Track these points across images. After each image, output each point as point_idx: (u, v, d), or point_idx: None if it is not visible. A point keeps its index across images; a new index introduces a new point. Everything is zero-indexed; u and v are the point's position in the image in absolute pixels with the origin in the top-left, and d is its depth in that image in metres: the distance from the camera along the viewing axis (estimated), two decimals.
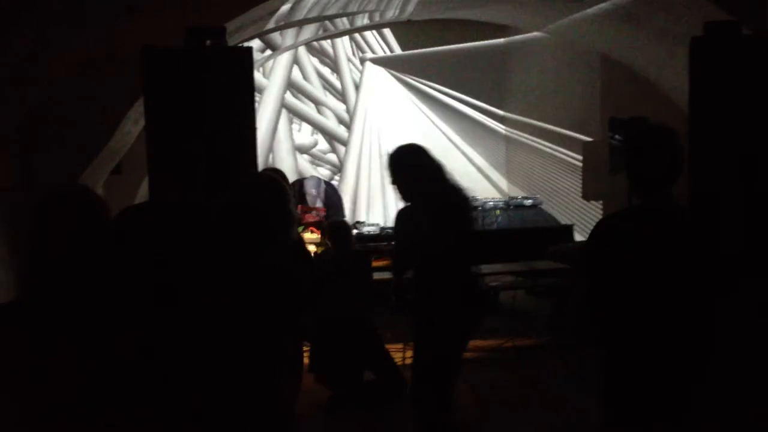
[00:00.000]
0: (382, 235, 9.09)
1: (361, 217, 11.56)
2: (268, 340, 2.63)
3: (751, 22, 5.13)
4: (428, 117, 12.52)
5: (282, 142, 12.10)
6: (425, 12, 9.70)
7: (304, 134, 12.37)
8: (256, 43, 8.78)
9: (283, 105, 12.09)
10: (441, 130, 12.55)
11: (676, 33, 6.42)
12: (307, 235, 7.67)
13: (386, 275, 6.92)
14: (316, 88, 12.35)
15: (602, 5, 7.00)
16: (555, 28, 9.21)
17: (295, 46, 10.98)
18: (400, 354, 6.29)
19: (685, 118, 4.71)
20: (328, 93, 12.42)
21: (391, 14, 9.22)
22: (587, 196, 9.97)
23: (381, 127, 12.38)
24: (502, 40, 12.44)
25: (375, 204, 12.31)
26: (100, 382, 2.08)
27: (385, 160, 4.13)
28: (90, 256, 2.12)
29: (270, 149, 11.95)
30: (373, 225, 9.82)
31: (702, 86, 4.56)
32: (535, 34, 10.82)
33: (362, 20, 9.83)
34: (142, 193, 6.10)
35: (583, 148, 10.04)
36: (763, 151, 4.43)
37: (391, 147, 4.11)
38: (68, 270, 2.10)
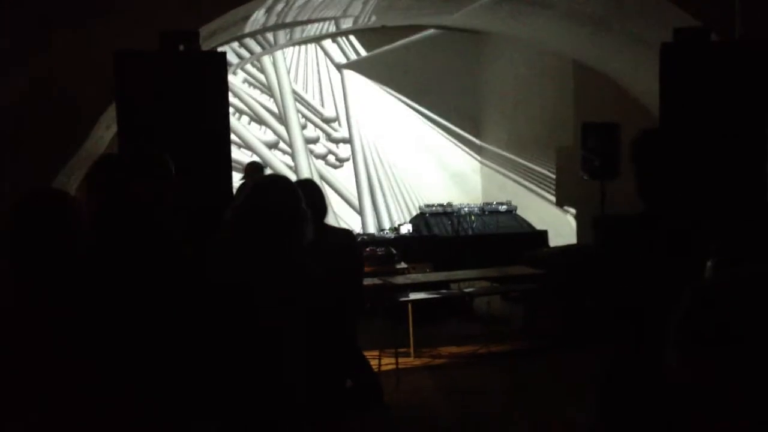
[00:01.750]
0: (360, 241, 9.14)
1: (344, 223, 11.54)
2: (291, 342, 2.69)
3: (720, 29, 5.21)
4: (400, 124, 12.53)
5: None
6: (398, 18, 9.73)
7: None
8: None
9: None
10: (414, 135, 12.57)
11: (647, 39, 6.49)
12: None
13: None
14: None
15: (574, 12, 7.06)
16: (527, 34, 9.28)
17: (268, 52, 10.97)
18: (375, 361, 6.27)
19: (656, 122, 4.76)
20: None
21: (361, 20, 9.24)
22: (561, 202, 10.06)
23: (371, 133, 12.40)
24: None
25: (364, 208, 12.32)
26: (95, 384, 2.08)
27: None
28: (67, 258, 2.13)
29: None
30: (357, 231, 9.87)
31: (672, 91, 4.62)
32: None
33: (333, 26, 9.84)
34: None
35: (557, 155, 10.12)
36: (732, 154, 4.49)
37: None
38: (46, 272, 2.11)
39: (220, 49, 6.55)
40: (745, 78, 4.52)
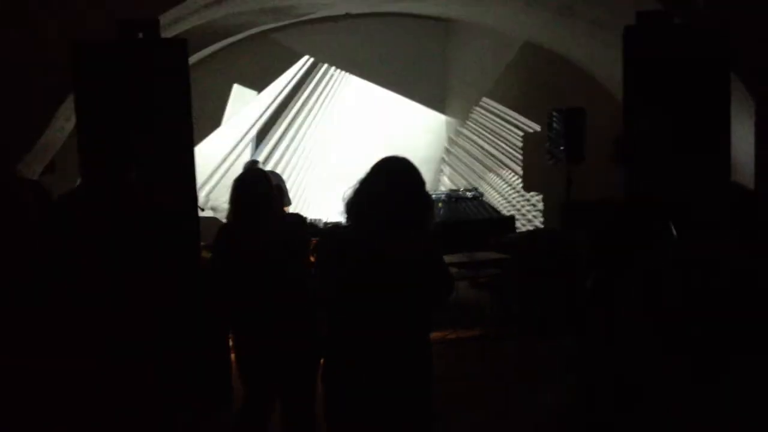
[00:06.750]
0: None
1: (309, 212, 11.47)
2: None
3: (682, 12, 5.23)
4: (365, 111, 12.48)
5: None
6: (362, 5, 9.66)
7: None
8: None
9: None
10: (378, 122, 12.53)
11: (610, 24, 6.52)
12: None
13: None
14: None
15: None
16: (491, 20, 9.28)
17: (228, 42, 10.83)
18: None
19: (620, 107, 4.78)
20: None
21: (324, 8, 9.15)
22: (527, 188, 10.09)
23: (324, 122, 12.33)
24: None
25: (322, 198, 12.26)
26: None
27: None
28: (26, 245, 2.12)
29: None
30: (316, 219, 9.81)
31: (635, 75, 4.64)
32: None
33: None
34: None
35: (522, 141, 10.15)
36: (696, 138, 4.53)
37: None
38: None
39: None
40: (708, 60, 4.55)
